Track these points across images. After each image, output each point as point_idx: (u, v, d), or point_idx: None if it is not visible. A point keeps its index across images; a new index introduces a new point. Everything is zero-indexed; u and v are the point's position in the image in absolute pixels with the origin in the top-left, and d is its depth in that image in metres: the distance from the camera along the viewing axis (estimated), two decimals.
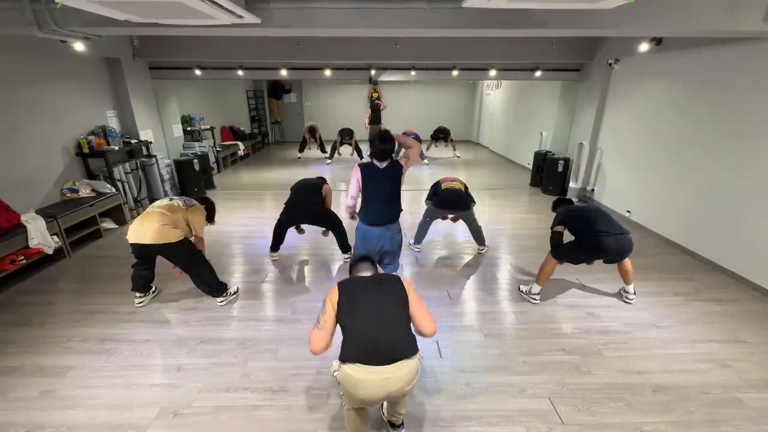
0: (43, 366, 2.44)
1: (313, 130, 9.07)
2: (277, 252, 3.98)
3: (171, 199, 3.03)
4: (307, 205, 3.69)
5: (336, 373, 1.58)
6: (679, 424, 2.03)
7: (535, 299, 3.17)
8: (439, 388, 2.27)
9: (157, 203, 3.00)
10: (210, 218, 3.29)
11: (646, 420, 2.06)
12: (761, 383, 2.31)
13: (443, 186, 3.85)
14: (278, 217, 3.80)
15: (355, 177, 2.66)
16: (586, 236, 2.88)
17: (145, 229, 2.77)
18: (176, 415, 2.07)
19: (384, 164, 2.63)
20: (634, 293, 3.16)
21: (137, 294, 3.09)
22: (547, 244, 3.13)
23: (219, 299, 3.13)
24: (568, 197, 3.58)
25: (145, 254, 2.93)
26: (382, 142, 2.56)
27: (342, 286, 1.71)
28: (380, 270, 1.85)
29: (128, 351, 2.58)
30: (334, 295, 1.67)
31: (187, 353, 2.56)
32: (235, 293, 3.25)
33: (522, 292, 3.28)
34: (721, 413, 2.10)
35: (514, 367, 2.45)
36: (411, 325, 1.69)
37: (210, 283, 3.09)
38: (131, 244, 2.85)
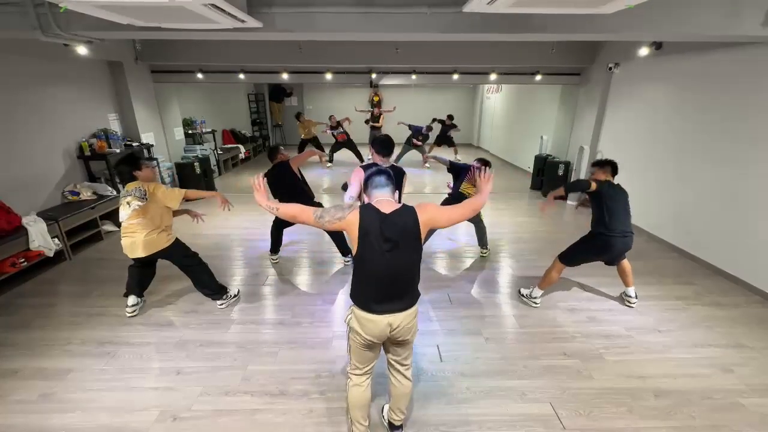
0: (43, 369, 2.44)
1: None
2: (278, 254, 3.98)
3: (128, 204, 2.71)
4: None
5: (349, 318, 1.72)
6: (681, 429, 2.02)
7: (536, 303, 3.16)
8: (439, 393, 2.26)
9: (123, 215, 2.74)
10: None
11: (647, 425, 2.05)
12: (763, 388, 2.30)
13: (462, 188, 3.73)
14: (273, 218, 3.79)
15: (358, 178, 2.65)
16: (601, 231, 2.87)
17: (134, 245, 2.74)
18: (176, 419, 2.07)
19: (386, 165, 2.63)
20: (636, 297, 3.15)
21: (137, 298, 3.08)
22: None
23: (219, 302, 3.13)
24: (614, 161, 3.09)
25: (146, 262, 2.95)
26: (386, 138, 2.78)
27: (362, 218, 1.59)
28: (394, 198, 1.70)
29: (128, 354, 2.58)
30: (354, 220, 1.59)
31: (187, 356, 2.56)
32: (235, 296, 3.25)
33: (522, 295, 3.27)
34: (723, 418, 2.09)
35: (515, 371, 2.44)
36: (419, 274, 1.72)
37: (209, 285, 3.08)
38: (132, 259, 2.86)
